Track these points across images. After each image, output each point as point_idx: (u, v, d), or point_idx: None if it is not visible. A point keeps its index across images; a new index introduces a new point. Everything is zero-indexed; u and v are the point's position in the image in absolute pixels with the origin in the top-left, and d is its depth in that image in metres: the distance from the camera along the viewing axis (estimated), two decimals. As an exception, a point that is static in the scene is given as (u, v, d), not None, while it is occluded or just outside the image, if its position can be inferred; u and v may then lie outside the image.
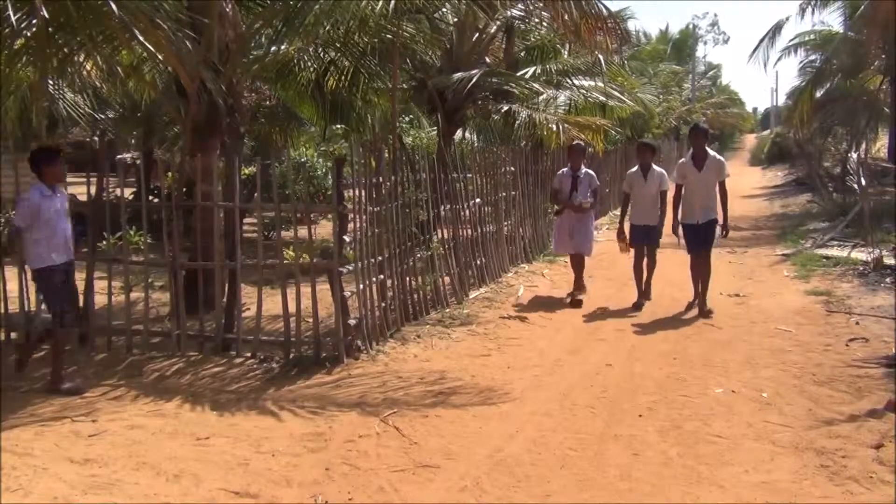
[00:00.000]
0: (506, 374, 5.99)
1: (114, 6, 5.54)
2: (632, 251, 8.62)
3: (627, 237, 8.61)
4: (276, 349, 6.43)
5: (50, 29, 5.66)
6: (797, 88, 24.38)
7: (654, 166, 8.60)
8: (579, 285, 8.91)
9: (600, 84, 14.17)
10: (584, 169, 9.07)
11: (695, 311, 8.03)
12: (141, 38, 6.20)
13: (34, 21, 5.53)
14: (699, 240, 8.09)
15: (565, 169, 9.17)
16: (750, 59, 23.99)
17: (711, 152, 8.14)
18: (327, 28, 7.06)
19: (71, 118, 10.72)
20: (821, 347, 6.57)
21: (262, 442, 4.64)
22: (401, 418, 5.01)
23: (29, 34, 5.85)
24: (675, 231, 8.40)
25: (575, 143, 9.70)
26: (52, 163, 5.68)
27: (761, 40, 22.11)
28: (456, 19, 12.05)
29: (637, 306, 8.40)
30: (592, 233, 9.23)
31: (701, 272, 8.13)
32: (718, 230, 8.12)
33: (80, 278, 6.77)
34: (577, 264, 8.96)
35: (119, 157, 13.75)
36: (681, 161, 8.40)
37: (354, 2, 6.98)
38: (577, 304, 8.54)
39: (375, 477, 4.17)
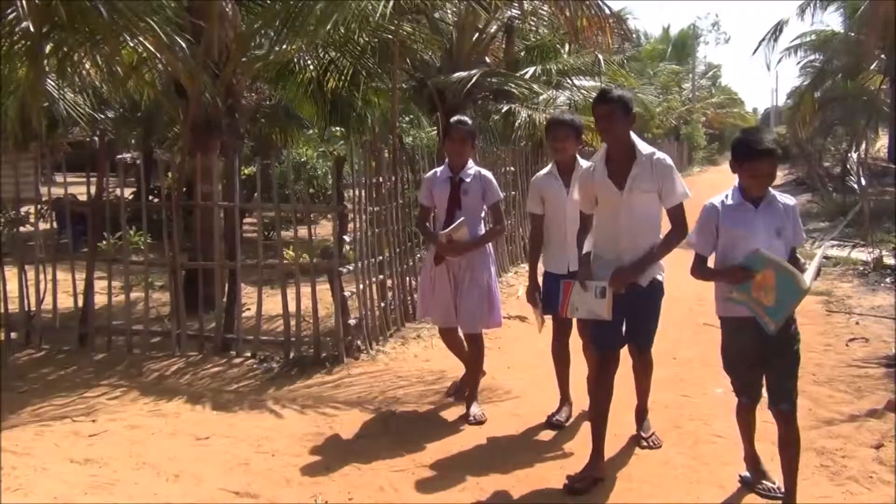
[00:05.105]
0: (506, 374, 5.98)
1: (103, 9, 5.51)
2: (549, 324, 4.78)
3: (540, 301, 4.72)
4: (276, 349, 6.43)
5: (45, 28, 5.63)
6: (798, 88, 24.42)
7: (583, 161, 4.64)
8: (471, 381, 5.08)
9: (600, 84, 14.14)
10: (472, 167, 4.98)
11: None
12: (131, 43, 6.19)
13: (26, 23, 5.51)
14: (632, 318, 4.04)
15: (440, 169, 5.09)
16: (752, 55, 24.09)
17: (645, 148, 3.97)
18: (328, 28, 7.05)
19: (71, 118, 10.74)
20: (821, 347, 6.56)
21: (262, 442, 4.63)
22: (401, 418, 5.01)
23: (23, 33, 5.83)
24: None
25: (457, 118, 5.05)
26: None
27: (762, 40, 22.13)
28: (456, 19, 12.06)
29: (554, 423, 4.78)
30: (495, 289, 5.00)
31: (637, 373, 4.48)
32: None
33: (80, 278, 6.79)
34: (472, 349, 5.05)
35: (119, 157, 13.75)
36: (586, 168, 4.22)
37: (355, 1, 6.98)
38: (477, 422, 4.86)
39: (375, 477, 4.17)
